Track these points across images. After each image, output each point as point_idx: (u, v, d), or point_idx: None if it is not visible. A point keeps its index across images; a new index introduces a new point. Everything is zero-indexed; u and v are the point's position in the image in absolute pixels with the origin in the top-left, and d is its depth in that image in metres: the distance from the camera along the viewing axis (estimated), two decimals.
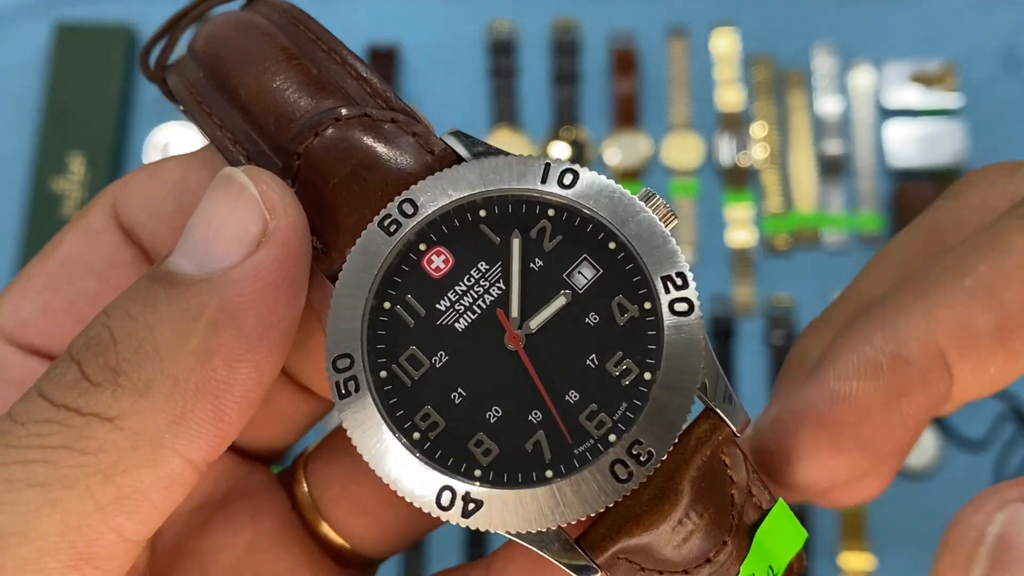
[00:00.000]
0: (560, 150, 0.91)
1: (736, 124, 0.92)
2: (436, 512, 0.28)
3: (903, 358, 0.29)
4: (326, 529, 0.36)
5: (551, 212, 0.29)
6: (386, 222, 0.29)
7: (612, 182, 0.29)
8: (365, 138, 0.30)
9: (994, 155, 0.91)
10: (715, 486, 0.29)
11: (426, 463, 0.29)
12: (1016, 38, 0.93)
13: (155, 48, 0.35)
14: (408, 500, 0.28)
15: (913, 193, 0.89)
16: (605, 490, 0.28)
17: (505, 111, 0.92)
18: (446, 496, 0.28)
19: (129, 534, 0.28)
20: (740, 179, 0.91)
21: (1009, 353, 0.29)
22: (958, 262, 0.29)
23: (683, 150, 0.91)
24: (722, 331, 0.87)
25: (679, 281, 0.29)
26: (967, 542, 0.26)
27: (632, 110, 0.92)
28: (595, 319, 0.29)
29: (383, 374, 0.29)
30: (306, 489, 0.36)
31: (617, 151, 0.91)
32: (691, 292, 0.29)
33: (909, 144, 0.91)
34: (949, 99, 0.91)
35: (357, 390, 0.29)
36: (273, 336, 0.28)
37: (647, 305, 0.29)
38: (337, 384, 0.29)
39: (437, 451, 0.29)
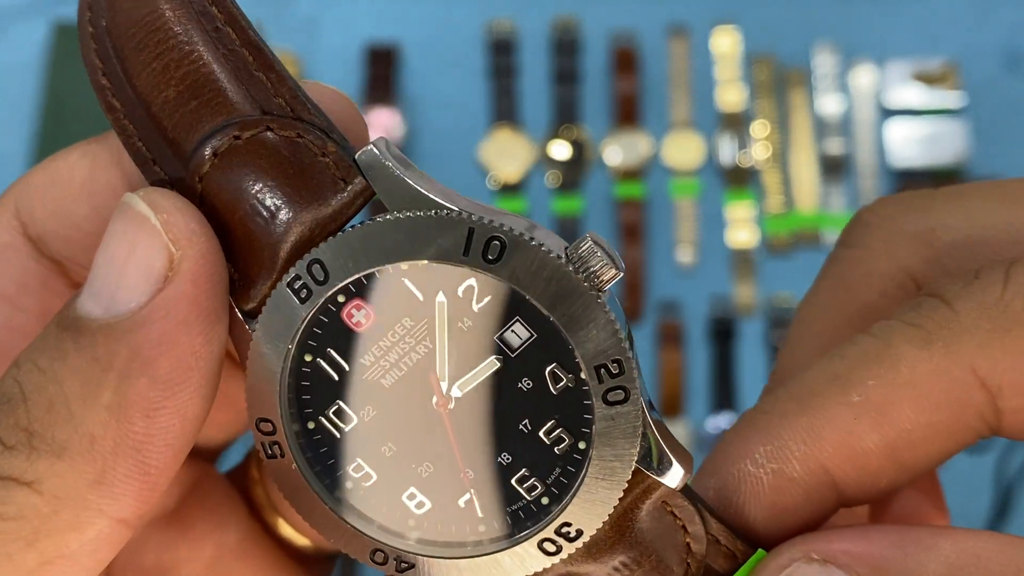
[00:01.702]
0: (560, 150, 0.91)
1: (737, 123, 0.92)
2: (372, 565, 0.28)
3: (785, 475, 0.28)
4: (286, 530, 0.35)
5: (479, 276, 0.27)
6: (296, 285, 0.27)
7: (545, 253, 0.26)
8: (269, 160, 0.27)
9: (996, 154, 0.90)
10: (660, 534, 0.28)
11: (355, 527, 0.28)
12: (1018, 37, 0.93)
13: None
14: (346, 553, 0.28)
15: None
16: (534, 560, 0.28)
17: (505, 111, 0.92)
18: (379, 555, 0.28)
19: None
20: (741, 179, 0.91)
21: (899, 469, 0.28)
22: (846, 372, 0.28)
23: (684, 150, 0.91)
24: (722, 332, 0.87)
25: (615, 368, 0.26)
26: None
27: (632, 109, 0.92)
28: (528, 385, 0.27)
29: (311, 425, 0.28)
30: (260, 490, 0.35)
31: (617, 151, 0.91)
32: (627, 378, 0.27)
33: (910, 144, 0.91)
34: (951, 98, 0.91)
35: (283, 455, 0.28)
36: (193, 378, 0.26)
37: (583, 375, 0.27)
38: (263, 445, 0.28)
39: (371, 500, 0.28)
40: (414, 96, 0.92)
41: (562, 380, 0.27)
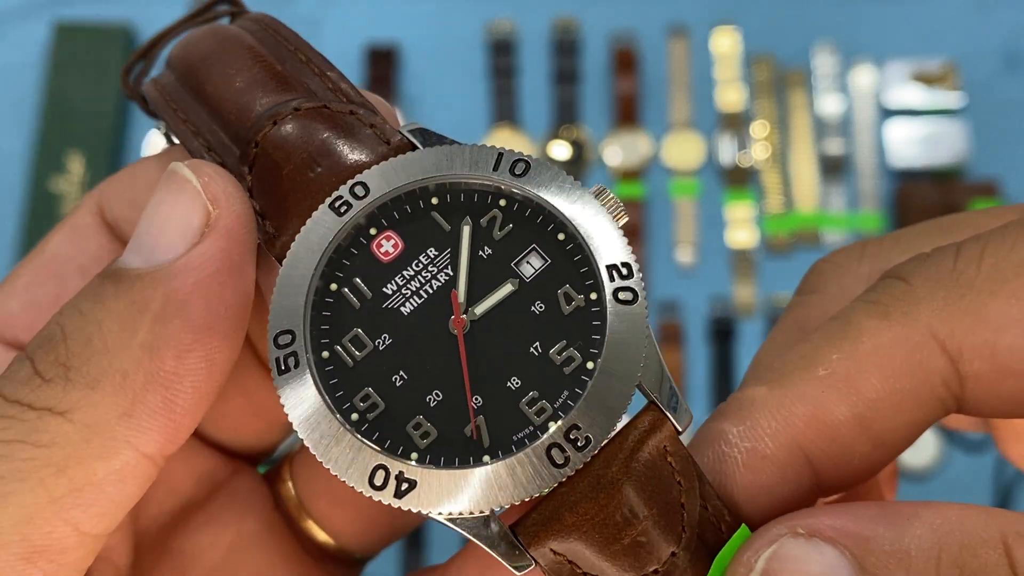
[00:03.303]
0: (560, 150, 0.91)
1: (737, 124, 0.92)
2: (368, 492, 0.28)
3: (759, 453, 0.29)
4: (310, 526, 0.36)
5: (502, 202, 0.30)
6: (337, 203, 0.29)
7: (563, 172, 0.30)
8: (321, 128, 0.31)
9: (995, 154, 0.90)
10: (659, 486, 0.29)
11: (361, 442, 0.28)
12: (1017, 37, 0.93)
13: (137, 66, 0.36)
14: (341, 479, 0.28)
15: (914, 193, 0.89)
16: (541, 474, 0.28)
17: (505, 111, 0.92)
18: (379, 475, 0.28)
19: (85, 527, 0.28)
20: (741, 179, 0.91)
21: (871, 442, 0.29)
22: (812, 351, 0.29)
23: (683, 150, 0.91)
24: (722, 331, 0.87)
25: (624, 271, 0.29)
26: (741, 574, 0.27)
27: (632, 110, 0.92)
28: (541, 308, 0.29)
29: (325, 354, 0.29)
30: (291, 485, 0.36)
31: (617, 151, 0.91)
32: (635, 282, 0.29)
33: (910, 144, 0.91)
34: (950, 99, 0.91)
35: (296, 366, 0.29)
36: (221, 325, 0.29)
37: (593, 296, 0.29)
38: (277, 360, 0.29)
39: (375, 432, 0.29)
40: (414, 96, 0.92)
41: (573, 300, 0.29)
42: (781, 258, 0.89)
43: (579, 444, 0.28)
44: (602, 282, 0.29)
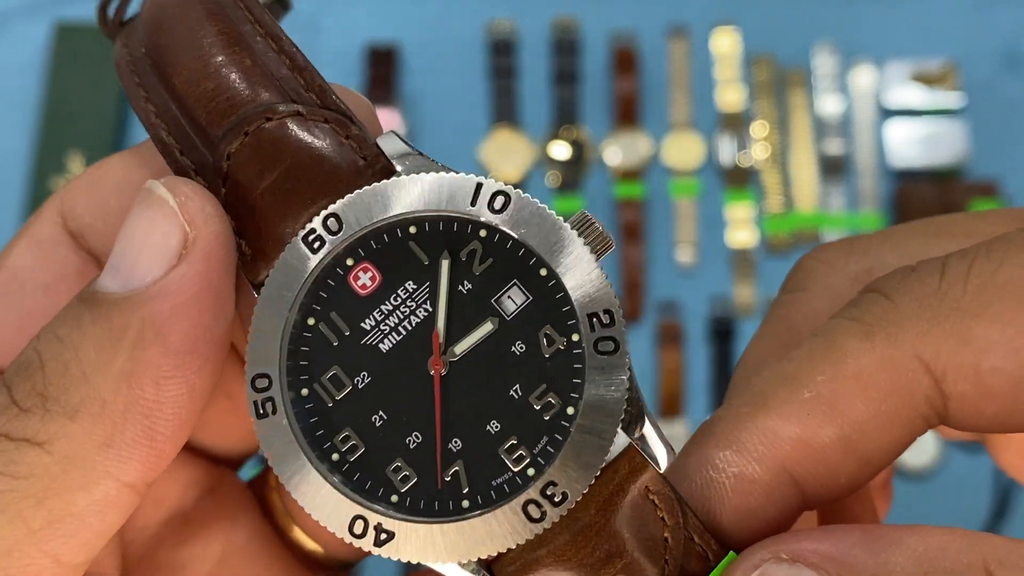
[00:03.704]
0: (560, 150, 0.91)
1: (736, 124, 0.92)
2: (349, 539, 0.28)
3: (746, 478, 0.29)
4: (298, 534, 0.36)
5: (483, 233, 0.28)
6: (310, 238, 0.28)
7: (545, 208, 0.28)
8: (295, 141, 0.29)
9: (995, 154, 0.91)
10: (641, 525, 0.28)
11: (340, 490, 0.28)
12: (1017, 37, 0.93)
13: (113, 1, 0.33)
14: (322, 524, 0.28)
15: (914, 193, 0.89)
16: (517, 529, 0.28)
17: (505, 111, 0.92)
18: (358, 525, 0.28)
19: (65, 558, 0.27)
20: (740, 179, 0.91)
21: (857, 462, 0.29)
22: (795, 371, 0.29)
23: (683, 150, 0.91)
24: (722, 332, 0.87)
25: (606, 319, 0.28)
26: None
27: (632, 110, 0.92)
28: (521, 348, 0.28)
29: (304, 391, 0.29)
30: (276, 494, 0.36)
31: (617, 151, 0.91)
32: (617, 331, 0.28)
33: (910, 144, 0.91)
34: (950, 99, 0.91)
35: (274, 412, 0.28)
36: (202, 350, 0.28)
37: (575, 337, 0.28)
38: (255, 403, 0.28)
39: (355, 474, 0.28)
40: (414, 96, 0.92)
41: (555, 342, 0.28)
42: (781, 258, 0.89)
43: (556, 500, 0.28)
44: (581, 327, 0.28)
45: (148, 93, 0.31)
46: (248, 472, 0.39)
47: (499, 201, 0.28)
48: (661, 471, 0.29)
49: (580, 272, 0.28)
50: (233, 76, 0.30)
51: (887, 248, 0.33)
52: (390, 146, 0.30)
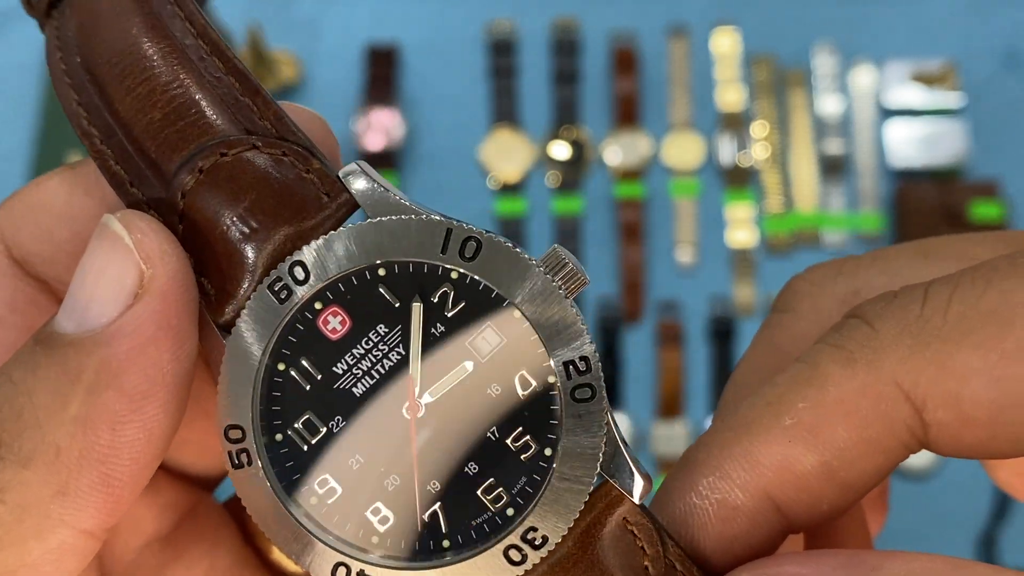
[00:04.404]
0: (560, 150, 0.91)
1: (736, 124, 0.92)
2: None
3: (729, 504, 0.29)
4: (278, 556, 0.35)
5: (454, 275, 0.28)
6: (276, 287, 0.28)
7: (517, 252, 0.28)
8: (254, 177, 0.28)
9: (995, 154, 0.91)
10: (621, 555, 0.28)
11: (322, 540, 0.28)
12: (1017, 37, 0.93)
13: None
14: (304, 570, 0.28)
15: (914, 193, 0.89)
16: (498, 572, 0.28)
17: (505, 111, 0.92)
18: (341, 571, 0.28)
19: None
20: (740, 179, 0.91)
21: (839, 488, 0.29)
22: (778, 399, 0.29)
23: (683, 150, 0.91)
24: (722, 331, 0.87)
25: (582, 366, 0.28)
26: None
27: (632, 110, 0.92)
28: (497, 390, 0.28)
29: (278, 436, 0.28)
30: None
31: (617, 151, 0.91)
32: (594, 376, 0.28)
33: (910, 144, 0.91)
34: (950, 99, 0.91)
35: (249, 464, 0.28)
36: (159, 393, 0.27)
37: (550, 379, 0.28)
38: (230, 454, 0.28)
39: (334, 517, 0.28)
40: (414, 96, 0.92)
41: (531, 385, 0.28)
42: (781, 258, 0.89)
43: (536, 543, 0.28)
44: (557, 375, 0.28)
45: (89, 114, 0.29)
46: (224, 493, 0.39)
47: (470, 248, 0.27)
48: (638, 503, 0.28)
49: (553, 319, 0.28)
50: (181, 104, 0.28)
51: (876, 270, 0.33)
52: (354, 182, 0.28)
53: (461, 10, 0.94)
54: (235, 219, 0.28)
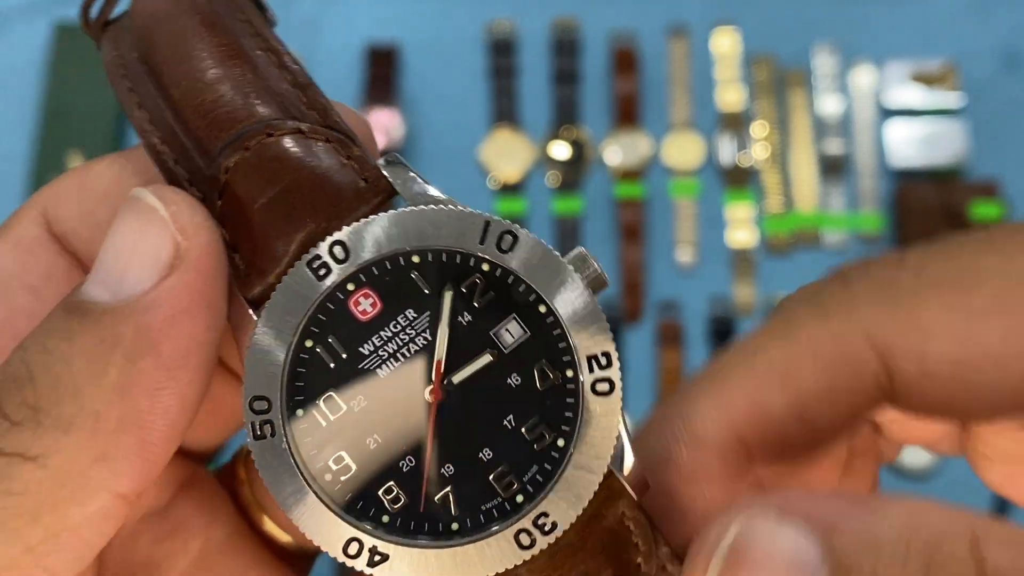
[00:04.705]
0: (560, 150, 0.91)
1: (736, 124, 0.92)
2: (342, 558, 0.28)
3: (702, 443, 0.30)
4: (270, 527, 0.36)
5: (485, 267, 0.29)
6: (315, 264, 0.28)
7: (550, 249, 0.29)
8: (296, 158, 0.29)
9: (994, 154, 0.91)
10: (616, 549, 0.29)
11: (336, 513, 0.29)
12: (1017, 38, 0.93)
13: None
14: (316, 544, 0.29)
15: (914, 193, 0.89)
16: (507, 555, 0.28)
17: (505, 111, 0.92)
18: (353, 546, 0.29)
19: (61, 572, 0.27)
20: (740, 179, 0.91)
21: (808, 431, 0.30)
22: (752, 346, 0.31)
23: (683, 150, 0.91)
24: (722, 331, 0.87)
25: (603, 361, 0.29)
26: (707, 548, 0.27)
27: (632, 110, 0.92)
28: (517, 381, 0.29)
29: (299, 412, 0.29)
30: (247, 489, 0.36)
31: (617, 151, 0.91)
32: (613, 371, 0.29)
33: (910, 144, 0.91)
34: (950, 99, 0.91)
35: (272, 435, 0.29)
36: (193, 361, 0.28)
37: (569, 373, 0.29)
38: (252, 424, 0.29)
39: (347, 494, 0.29)
40: (414, 96, 0.92)
41: (549, 377, 0.29)
42: (781, 258, 0.89)
43: (545, 529, 0.28)
44: (580, 368, 0.29)
45: (141, 99, 0.31)
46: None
47: (507, 240, 0.29)
48: (636, 499, 0.29)
49: (579, 312, 0.29)
50: (234, 89, 0.30)
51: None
52: (392, 169, 0.29)
53: (461, 10, 0.94)
54: (274, 197, 0.29)
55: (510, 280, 0.29)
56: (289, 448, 0.29)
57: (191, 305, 0.28)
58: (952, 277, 0.29)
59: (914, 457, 0.82)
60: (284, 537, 0.36)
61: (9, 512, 0.26)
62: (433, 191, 0.29)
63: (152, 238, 0.28)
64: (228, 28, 0.31)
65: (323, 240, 0.28)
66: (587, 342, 0.29)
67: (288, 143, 0.29)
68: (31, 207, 0.32)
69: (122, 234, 0.28)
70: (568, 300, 0.29)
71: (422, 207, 0.29)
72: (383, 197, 0.29)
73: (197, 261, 0.28)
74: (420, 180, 0.29)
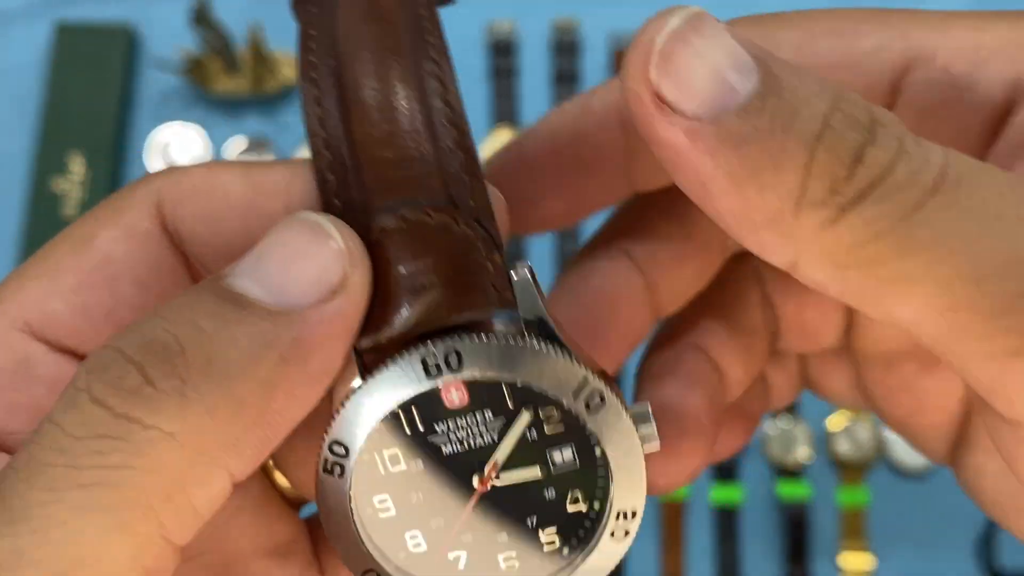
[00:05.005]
0: None
1: None
2: None
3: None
4: (279, 478, 0.37)
5: (567, 407, 0.32)
6: (429, 362, 0.30)
7: (629, 420, 0.31)
8: (444, 245, 0.31)
9: None
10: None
11: (365, 543, 0.32)
12: None
13: None
14: (343, 563, 0.33)
15: None
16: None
17: (505, 111, 0.92)
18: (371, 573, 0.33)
19: (178, 545, 0.29)
20: None
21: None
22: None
23: None
24: None
25: (631, 515, 0.32)
26: (647, 39, 0.31)
27: None
28: (551, 495, 0.32)
29: (365, 456, 0.32)
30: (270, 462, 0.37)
31: None
32: (634, 524, 0.32)
33: None
34: None
35: (340, 476, 0.31)
36: (326, 381, 0.30)
37: (596, 505, 0.32)
38: (325, 460, 0.31)
39: (379, 531, 0.32)
40: None
41: (579, 503, 0.32)
42: None
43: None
44: (608, 514, 0.32)
45: (323, 117, 0.32)
46: None
47: (595, 401, 0.31)
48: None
49: (627, 465, 0.32)
50: (411, 156, 0.31)
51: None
52: (520, 286, 0.32)
53: (461, 10, 0.94)
54: (412, 270, 0.31)
55: (585, 431, 0.32)
56: (348, 490, 0.32)
57: (340, 332, 0.29)
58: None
59: (914, 457, 0.82)
60: (287, 484, 0.38)
61: (145, 492, 0.27)
62: (550, 322, 0.31)
63: (323, 259, 0.29)
64: (422, 84, 0.33)
65: (437, 326, 0.31)
66: (624, 499, 0.32)
67: (441, 227, 0.31)
68: (145, 196, 0.33)
69: (292, 244, 0.30)
70: (621, 457, 0.31)
71: (535, 347, 0.31)
72: (506, 307, 0.31)
73: (358, 292, 0.30)
74: (540, 305, 0.31)
